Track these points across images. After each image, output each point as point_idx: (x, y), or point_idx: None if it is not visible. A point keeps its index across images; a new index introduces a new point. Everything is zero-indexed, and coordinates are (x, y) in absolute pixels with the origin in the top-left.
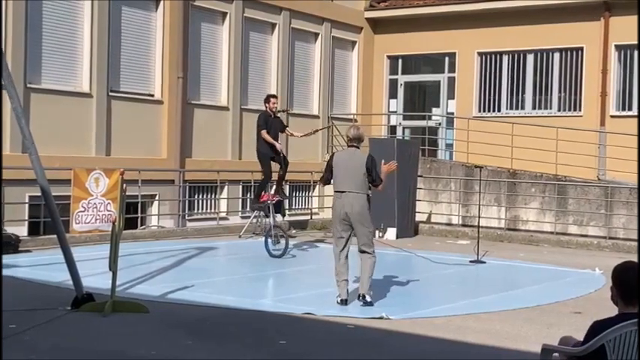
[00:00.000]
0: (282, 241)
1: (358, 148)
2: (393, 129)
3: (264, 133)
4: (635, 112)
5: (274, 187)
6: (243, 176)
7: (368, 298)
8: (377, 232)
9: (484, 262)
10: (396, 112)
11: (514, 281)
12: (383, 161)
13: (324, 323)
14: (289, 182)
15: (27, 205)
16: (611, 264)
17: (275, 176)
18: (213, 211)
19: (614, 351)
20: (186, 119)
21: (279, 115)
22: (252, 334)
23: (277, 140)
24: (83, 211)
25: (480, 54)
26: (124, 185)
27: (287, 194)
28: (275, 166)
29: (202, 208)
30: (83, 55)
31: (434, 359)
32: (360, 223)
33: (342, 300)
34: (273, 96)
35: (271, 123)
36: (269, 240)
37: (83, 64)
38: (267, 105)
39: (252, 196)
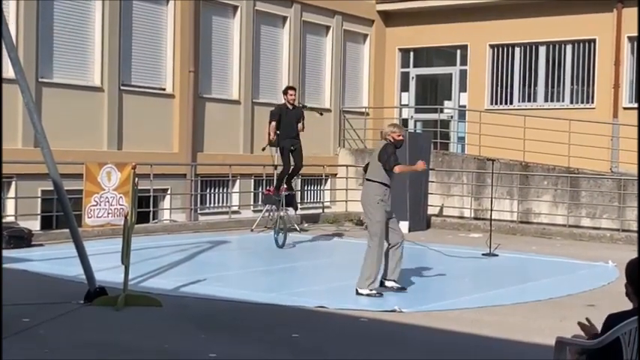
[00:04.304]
0: (283, 233)
1: (387, 141)
2: (404, 122)
3: (272, 126)
4: None
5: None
6: (255, 170)
7: (362, 291)
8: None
9: (497, 255)
10: (407, 105)
11: (527, 274)
12: (421, 161)
13: (337, 316)
14: (301, 175)
15: (39, 200)
16: (624, 256)
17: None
18: (225, 204)
19: (630, 344)
20: (198, 113)
21: (300, 105)
22: (264, 327)
23: (295, 132)
24: (95, 205)
25: (492, 46)
26: (136, 179)
27: (294, 188)
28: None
29: (214, 202)
30: (95, 49)
31: (447, 352)
32: (365, 210)
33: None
34: (291, 88)
35: (286, 115)
36: (276, 230)
37: (95, 58)
38: (285, 97)
39: (262, 190)
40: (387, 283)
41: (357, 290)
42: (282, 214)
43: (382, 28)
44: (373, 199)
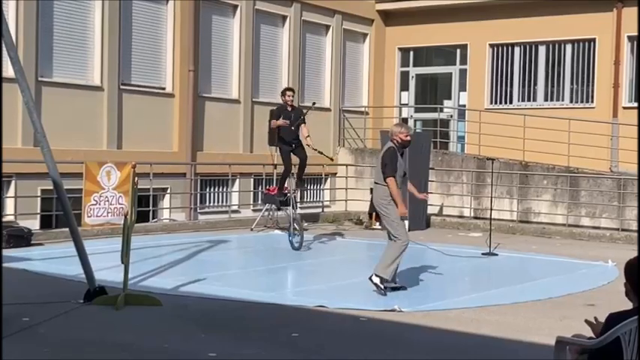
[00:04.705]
0: (298, 235)
1: (391, 142)
2: (404, 122)
3: (273, 122)
4: None
5: (293, 180)
6: (254, 169)
7: (374, 279)
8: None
9: (496, 255)
10: (407, 104)
11: (526, 273)
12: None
13: (336, 316)
14: None
15: (39, 199)
16: (623, 256)
17: (295, 169)
18: (224, 204)
19: (630, 344)
20: (198, 112)
21: (302, 108)
22: (264, 326)
23: (294, 133)
24: (95, 205)
25: (492, 46)
26: (136, 178)
27: (304, 184)
28: (295, 159)
29: (214, 201)
30: (94, 48)
31: (447, 352)
32: (380, 212)
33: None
34: (289, 89)
35: (286, 116)
36: (291, 233)
37: (94, 57)
38: (283, 98)
39: (262, 189)
40: (374, 279)
41: (372, 276)
42: (293, 215)
43: (382, 27)
44: (384, 199)
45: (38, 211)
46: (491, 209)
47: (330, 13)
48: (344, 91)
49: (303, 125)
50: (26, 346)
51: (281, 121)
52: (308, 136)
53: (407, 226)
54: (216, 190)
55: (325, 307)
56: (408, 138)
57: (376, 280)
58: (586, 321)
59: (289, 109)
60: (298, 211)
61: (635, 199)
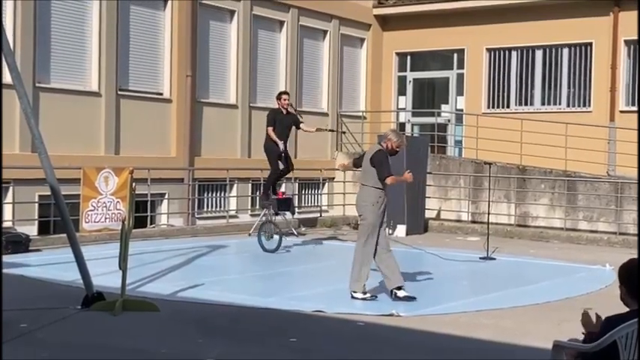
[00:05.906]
0: (276, 237)
1: (380, 145)
2: (402, 126)
3: (269, 130)
4: None
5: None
6: (252, 174)
7: (355, 295)
8: (387, 229)
9: (494, 259)
10: (404, 109)
11: (524, 277)
12: (408, 170)
13: (334, 320)
14: (299, 180)
15: (37, 205)
16: (621, 260)
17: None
18: (222, 209)
19: (627, 347)
20: (195, 117)
21: (293, 111)
22: (262, 331)
23: (287, 137)
24: (93, 210)
25: (489, 50)
26: (134, 184)
27: (277, 190)
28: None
29: (212, 207)
30: (92, 54)
31: (445, 356)
32: (359, 213)
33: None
34: (285, 93)
35: (280, 120)
36: (262, 235)
37: (92, 63)
38: (278, 102)
39: (260, 193)
40: (399, 293)
41: (352, 294)
42: (272, 219)
43: (379, 32)
44: (368, 201)
45: (36, 217)
46: (488, 213)
47: (328, 18)
48: (341, 96)
49: (302, 125)
50: (25, 351)
51: (281, 146)
52: (315, 130)
53: (405, 231)
54: (214, 195)
55: (323, 311)
56: (397, 150)
57: (358, 295)
58: (584, 315)
59: (284, 112)
60: (295, 215)
61: (633, 203)
